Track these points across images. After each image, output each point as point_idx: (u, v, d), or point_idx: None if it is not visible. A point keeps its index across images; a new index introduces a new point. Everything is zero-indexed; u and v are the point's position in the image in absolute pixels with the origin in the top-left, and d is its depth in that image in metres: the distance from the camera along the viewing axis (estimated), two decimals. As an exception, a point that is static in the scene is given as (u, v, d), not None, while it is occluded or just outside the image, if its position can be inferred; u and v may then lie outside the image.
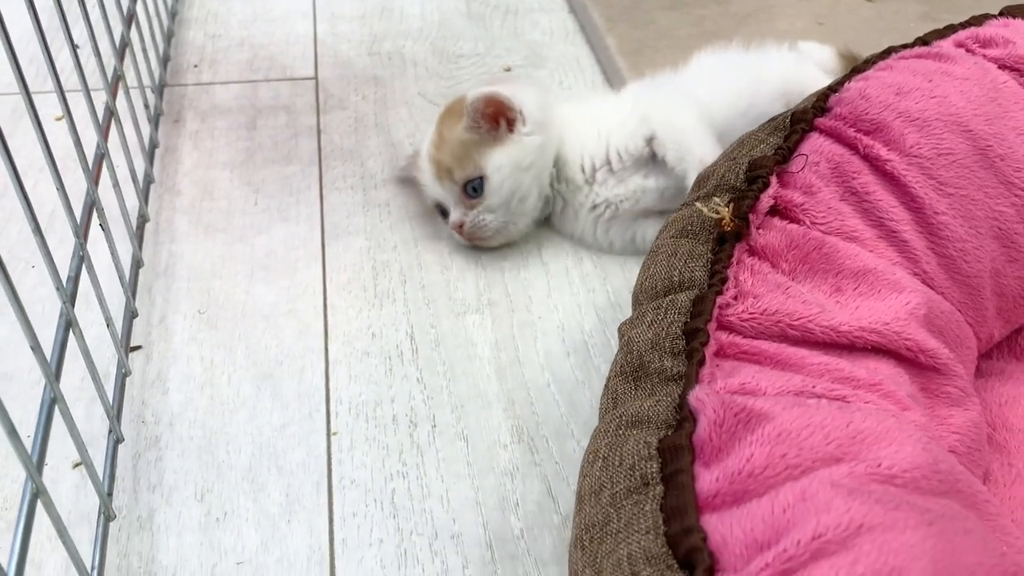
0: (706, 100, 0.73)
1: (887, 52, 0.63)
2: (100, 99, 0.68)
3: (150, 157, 0.82)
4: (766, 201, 0.54)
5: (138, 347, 0.67)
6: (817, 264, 0.53)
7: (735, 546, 0.37)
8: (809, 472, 0.40)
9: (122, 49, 0.77)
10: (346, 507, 0.56)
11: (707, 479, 0.40)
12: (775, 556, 0.35)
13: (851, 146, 0.57)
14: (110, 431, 0.57)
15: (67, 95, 0.56)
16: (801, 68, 0.79)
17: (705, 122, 0.71)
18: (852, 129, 0.57)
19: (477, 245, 0.75)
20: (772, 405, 0.42)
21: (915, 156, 0.56)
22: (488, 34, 1.08)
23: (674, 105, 0.72)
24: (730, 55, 0.81)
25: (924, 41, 0.65)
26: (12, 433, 0.39)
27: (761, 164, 0.56)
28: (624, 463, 0.43)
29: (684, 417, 0.43)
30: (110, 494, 0.54)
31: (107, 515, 0.52)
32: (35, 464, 0.42)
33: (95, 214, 0.59)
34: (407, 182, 0.82)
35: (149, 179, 0.80)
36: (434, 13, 1.12)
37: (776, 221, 0.54)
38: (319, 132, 0.90)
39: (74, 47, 0.62)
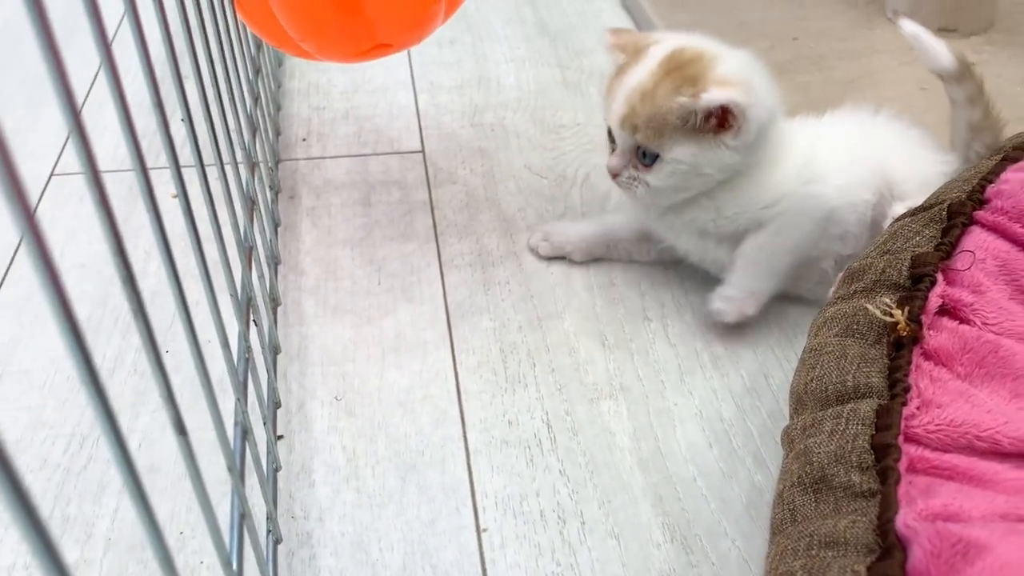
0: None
1: (1031, 137, 0.63)
2: (212, 174, 0.69)
3: (274, 237, 0.83)
4: (935, 301, 0.53)
5: (280, 436, 0.67)
6: (994, 368, 0.52)
7: None
8: None
9: (252, 130, 0.78)
10: (505, 609, 0.56)
11: None
12: None
13: (1017, 242, 0.56)
14: (269, 531, 0.57)
15: (205, 169, 0.58)
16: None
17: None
18: (1017, 224, 0.56)
19: (631, 196, 0.74)
20: (988, 534, 0.41)
21: (1086, 254, 0.55)
22: (586, 102, 1.08)
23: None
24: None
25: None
26: (156, 538, 0.40)
27: (925, 261, 0.55)
28: None
29: (892, 545, 0.42)
30: (276, 598, 0.54)
31: (278, 621, 0.53)
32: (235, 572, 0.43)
33: (250, 310, 0.60)
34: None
35: (277, 260, 0.81)
36: (530, 83, 1.13)
37: (946, 322, 0.53)
38: (432, 207, 0.91)
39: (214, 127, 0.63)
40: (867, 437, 0.48)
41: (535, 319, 0.78)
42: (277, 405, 0.68)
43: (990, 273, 0.55)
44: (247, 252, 0.64)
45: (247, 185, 0.70)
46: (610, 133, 0.73)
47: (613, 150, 0.73)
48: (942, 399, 0.49)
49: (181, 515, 0.62)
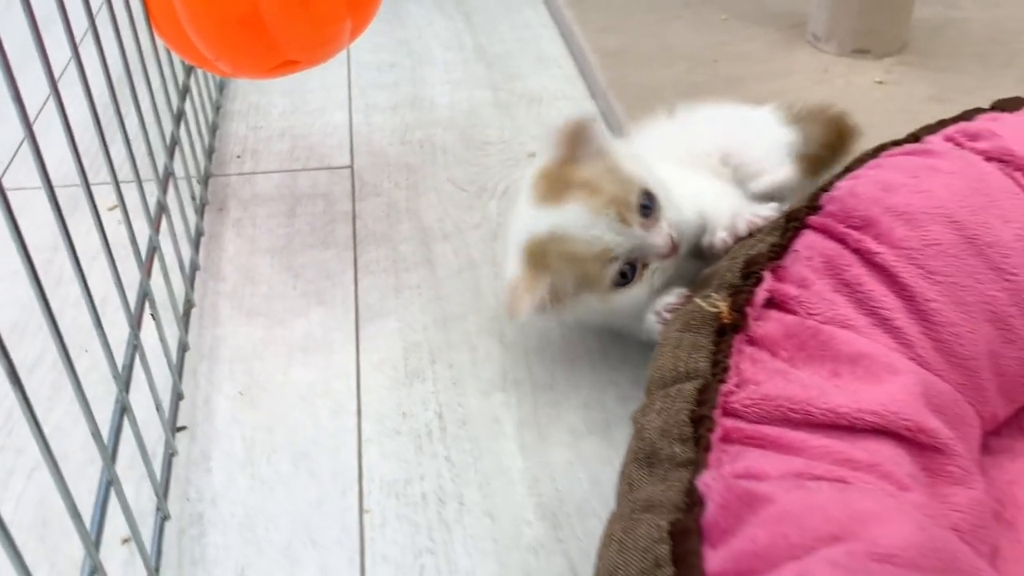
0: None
1: (877, 150, 0.67)
2: (150, 190, 0.74)
3: (196, 246, 0.88)
4: (762, 294, 0.58)
5: (183, 427, 0.71)
6: (815, 351, 0.56)
7: None
8: (810, 552, 0.43)
9: (172, 146, 0.83)
10: (377, 582, 0.60)
11: (715, 560, 0.43)
12: None
13: (842, 241, 0.61)
14: (157, 509, 0.61)
15: (120, 186, 0.62)
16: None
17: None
18: (842, 225, 0.61)
19: (677, 256, 0.67)
20: (774, 488, 0.45)
21: (903, 248, 0.59)
22: (513, 122, 1.13)
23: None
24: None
25: (915, 137, 0.69)
26: (75, 515, 0.43)
27: (756, 261, 0.60)
28: (638, 546, 0.46)
29: (694, 501, 0.46)
30: (157, 569, 0.58)
31: (155, 589, 0.56)
32: (93, 542, 0.46)
33: (147, 304, 0.64)
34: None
35: (195, 266, 0.86)
36: (463, 103, 1.18)
37: (773, 313, 0.58)
38: (354, 218, 0.96)
39: (127, 140, 0.68)
40: (687, 412, 0.52)
41: (440, 320, 0.82)
42: (180, 397, 0.71)
43: (816, 269, 0.59)
44: (149, 256, 0.68)
45: (159, 199, 0.74)
46: (621, 275, 0.66)
47: (630, 275, 0.66)
48: (759, 377, 0.53)
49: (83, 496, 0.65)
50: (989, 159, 0.66)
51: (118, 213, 0.64)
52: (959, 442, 0.55)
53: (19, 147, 1.06)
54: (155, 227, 0.71)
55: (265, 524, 0.64)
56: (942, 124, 0.71)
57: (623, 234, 0.64)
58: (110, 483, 0.50)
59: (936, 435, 0.54)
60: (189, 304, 0.81)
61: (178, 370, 0.73)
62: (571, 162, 0.67)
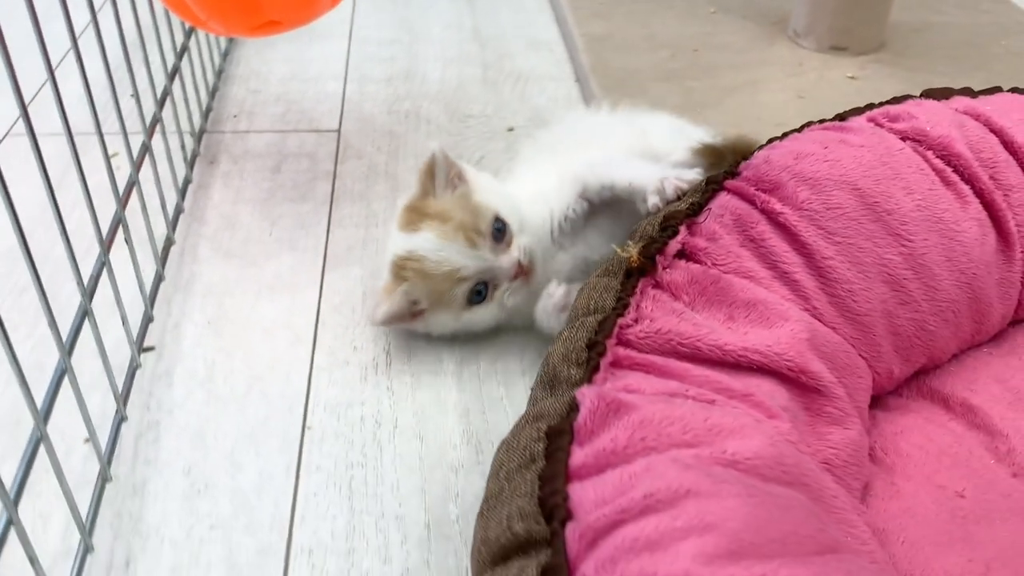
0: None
1: (803, 127, 0.72)
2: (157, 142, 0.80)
3: (183, 191, 0.94)
4: (674, 245, 0.63)
5: (151, 348, 0.78)
6: (713, 296, 0.61)
7: (587, 503, 0.45)
8: (662, 453, 0.48)
9: (163, 98, 0.90)
10: (309, 488, 0.65)
11: (579, 456, 0.48)
12: (611, 508, 0.43)
13: (751, 201, 0.66)
14: (116, 411, 0.67)
15: (122, 136, 0.69)
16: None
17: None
18: (753, 188, 0.66)
19: (531, 279, 0.74)
20: (642, 400, 0.51)
21: (806, 210, 0.64)
22: (498, 98, 1.19)
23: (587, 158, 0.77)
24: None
25: (841, 117, 0.74)
26: (23, 384, 0.50)
27: (674, 216, 0.65)
28: (519, 445, 0.52)
29: (572, 408, 0.51)
30: (109, 461, 0.64)
31: (104, 477, 0.62)
32: (42, 418, 0.53)
33: (121, 229, 0.71)
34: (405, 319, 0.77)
35: (179, 209, 0.92)
36: (453, 79, 1.24)
37: (682, 263, 0.63)
38: (335, 177, 1.02)
39: (136, 96, 0.74)
40: (585, 340, 0.57)
41: (401, 270, 0.88)
42: (150, 320, 0.78)
43: (726, 225, 0.64)
44: (127, 191, 0.75)
45: (144, 142, 0.81)
46: (474, 292, 0.74)
47: (483, 293, 0.74)
48: (656, 315, 0.58)
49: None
50: (904, 138, 0.71)
51: (118, 160, 0.71)
52: (841, 387, 0.60)
53: (38, 91, 1.13)
54: (136, 167, 0.77)
55: (215, 433, 0.70)
56: (870, 107, 0.76)
57: (471, 257, 0.72)
58: (63, 373, 0.56)
59: (817, 377, 0.59)
60: (169, 241, 0.88)
61: (151, 297, 0.79)
62: (429, 195, 0.76)
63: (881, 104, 0.76)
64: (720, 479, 0.46)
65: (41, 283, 0.54)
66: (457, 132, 1.11)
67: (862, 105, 0.76)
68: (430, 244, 0.72)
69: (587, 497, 0.45)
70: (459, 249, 0.72)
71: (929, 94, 0.78)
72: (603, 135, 0.85)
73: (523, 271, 0.73)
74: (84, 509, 0.60)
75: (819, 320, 0.63)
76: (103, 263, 0.66)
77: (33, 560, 0.49)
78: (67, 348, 0.57)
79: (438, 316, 0.75)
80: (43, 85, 1.10)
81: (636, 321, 0.58)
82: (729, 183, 0.67)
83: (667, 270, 0.62)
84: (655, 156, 0.77)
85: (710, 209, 0.65)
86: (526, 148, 0.92)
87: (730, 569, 0.39)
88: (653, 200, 0.72)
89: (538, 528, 0.44)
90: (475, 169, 0.81)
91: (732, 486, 0.45)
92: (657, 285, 0.61)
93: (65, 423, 0.67)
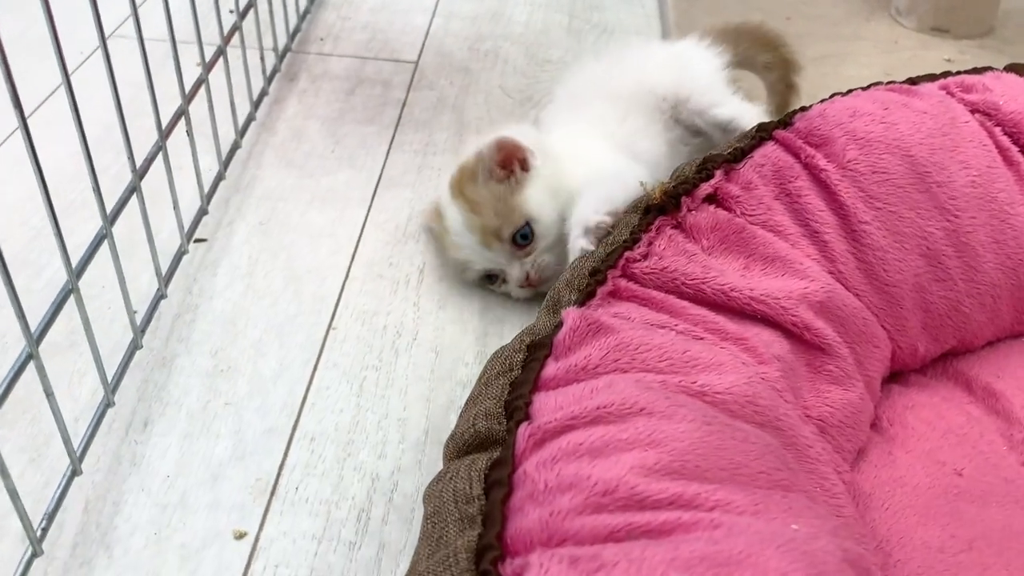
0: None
1: (870, 85, 0.70)
2: (239, 54, 0.84)
3: (257, 102, 0.98)
4: (704, 188, 0.62)
5: (203, 240, 0.82)
6: (734, 245, 0.61)
7: (545, 409, 0.46)
8: (628, 373, 0.48)
9: (246, 10, 0.93)
10: (323, 381, 0.68)
11: (551, 368, 0.49)
12: (563, 414, 0.44)
13: (796, 154, 0.64)
14: (158, 288, 0.72)
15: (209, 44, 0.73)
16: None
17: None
18: (801, 140, 0.64)
19: (539, 290, 0.73)
20: (624, 325, 0.51)
21: (850, 170, 0.63)
22: (579, 46, 1.19)
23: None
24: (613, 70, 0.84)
25: (913, 81, 0.71)
26: (64, 250, 0.54)
27: (712, 160, 0.64)
28: (503, 355, 0.53)
29: (557, 326, 0.52)
30: (143, 331, 0.69)
31: (136, 344, 0.67)
32: (76, 274, 0.57)
33: (183, 121, 0.75)
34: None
35: (251, 118, 0.96)
36: (538, 23, 1.24)
37: (711, 208, 0.62)
38: (404, 105, 1.04)
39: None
40: (588, 268, 0.57)
41: (451, 198, 0.89)
42: (204, 212, 0.82)
43: (764, 176, 0.63)
44: (195, 88, 0.78)
45: (219, 46, 0.85)
46: (485, 278, 0.76)
47: (494, 280, 0.75)
48: (667, 254, 0.58)
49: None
50: (973, 111, 0.68)
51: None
52: (847, 348, 0.59)
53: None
54: (207, 67, 0.81)
55: (246, 322, 0.73)
56: (946, 75, 0.73)
57: (481, 256, 0.73)
58: (103, 238, 0.60)
59: (821, 335, 0.58)
60: (235, 145, 0.92)
61: (208, 194, 0.83)
62: (480, 175, 0.73)
63: (958, 73, 0.73)
64: (678, 404, 0.46)
65: (90, 154, 0.58)
66: (532, 75, 1.12)
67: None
68: (455, 224, 0.74)
69: (547, 404, 0.46)
70: (474, 246, 0.73)
71: (1013, 68, 0.74)
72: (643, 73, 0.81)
73: (530, 283, 0.73)
74: (113, 370, 0.64)
75: (843, 284, 0.61)
76: (159, 147, 0.70)
77: (48, 394, 0.53)
78: (109, 217, 0.61)
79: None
80: None
81: (645, 257, 0.58)
82: (778, 133, 0.65)
83: (692, 212, 0.62)
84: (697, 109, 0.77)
85: (752, 158, 0.64)
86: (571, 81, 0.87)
87: (665, 483, 0.40)
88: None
89: (498, 428, 0.46)
90: (567, 138, 0.77)
91: (690, 412, 0.45)
92: (678, 226, 0.61)
93: (113, 296, 0.71)
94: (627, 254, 0.57)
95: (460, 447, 0.47)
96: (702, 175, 0.63)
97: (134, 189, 0.65)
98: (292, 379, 0.68)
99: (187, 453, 0.63)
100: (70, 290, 0.56)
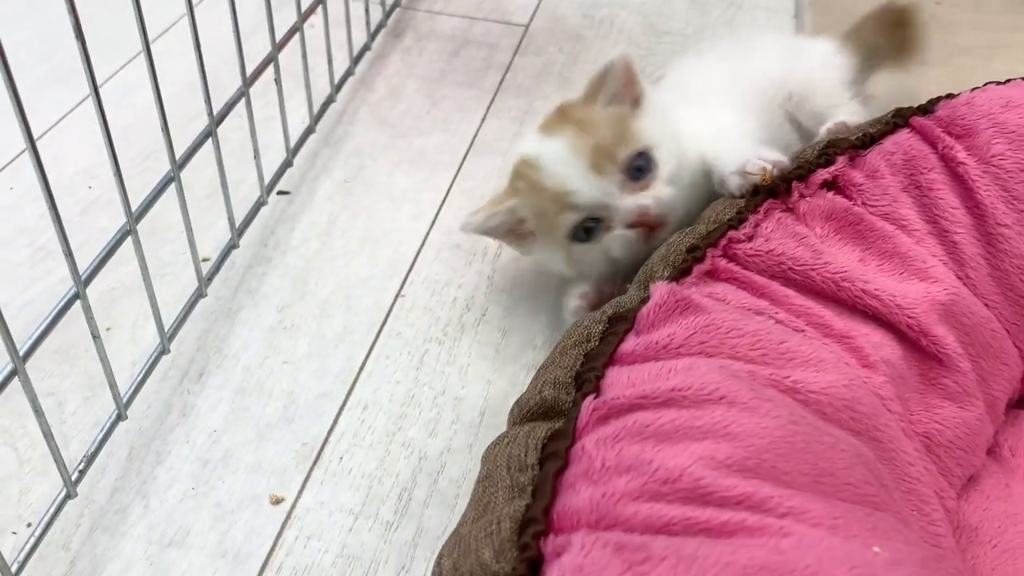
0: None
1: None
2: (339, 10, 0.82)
3: (357, 57, 0.96)
4: (821, 174, 0.55)
5: (286, 192, 0.80)
6: (850, 236, 0.54)
7: (616, 384, 0.41)
8: (713, 358, 0.43)
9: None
10: (384, 349, 0.65)
11: (630, 343, 0.44)
12: (634, 392, 0.39)
13: (932, 144, 0.56)
14: (230, 238, 0.70)
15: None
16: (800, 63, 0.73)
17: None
18: (941, 130, 0.57)
19: (654, 236, 0.60)
20: (715, 306, 0.45)
21: (994, 166, 0.54)
22: (702, 19, 1.11)
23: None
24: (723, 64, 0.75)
25: (1088, 77, 0.62)
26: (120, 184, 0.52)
27: (836, 145, 0.57)
28: (582, 325, 0.48)
29: (644, 300, 0.47)
30: (210, 280, 0.67)
31: (200, 293, 0.65)
32: (134, 215, 0.55)
33: (272, 68, 0.73)
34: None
35: (349, 72, 0.94)
36: (660, -7, 1.17)
37: (828, 194, 0.55)
38: (507, 70, 1.00)
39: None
40: (687, 245, 0.52)
41: (544, 170, 0.84)
42: (289, 164, 0.80)
43: (893, 164, 0.56)
44: (288, 35, 0.76)
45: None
46: (580, 228, 0.61)
47: (593, 231, 0.61)
48: (775, 236, 0.51)
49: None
50: None
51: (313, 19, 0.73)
52: (969, 362, 0.51)
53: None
54: (303, 16, 0.79)
55: (316, 280, 0.71)
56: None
57: (591, 184, 0.59)
58: (170, 180, 0.59)
59: (941, 344, 0.50)
60: (329, 99, 0.89)
61: (295, 146, 0.81)
62: (593, 101, 0.63)
63: None
64: (765, 397, 0.40)
65: (162, 102, 0.56)
66: (647, 47, 1.05)
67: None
68: (554, 153, 0.60)
69: (619, 380, 0.41)
70: (581, 170, 0.59)
71: None
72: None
73: (647, 222, 0.59)
74: (175, 317, 0.63)
75: (971, 290, 0.54)
76: (242, 93, 0.68)
77: (95, 336, 0.52)
78: (179, 161, 0.59)
79: (544, 243, 0.64)
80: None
81: (749, 239, 0.52)
82: (916, 120, 0.58)
83: (805, 199, 0.55)
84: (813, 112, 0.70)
85: (882, 144, 0.57)
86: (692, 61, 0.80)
87: (735, 480, 0.34)
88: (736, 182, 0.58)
89: (564, 398, 0.42)
90: (666, 96, 0.68)
91: (776, 407, 0.39)
92: (789, 210, 0.54)
93: (180, 246, 0.70)
94: (731, 233, 0.51)
95: (524, 413, 0.44)
96: (821, 160, 0.56)
97: (209, 134, 0.63)
98: (353, 344, 0.66)
99: (237, 409, 0.61)
100: (127, 231, 0.54)
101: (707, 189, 0.61)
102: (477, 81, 0.97)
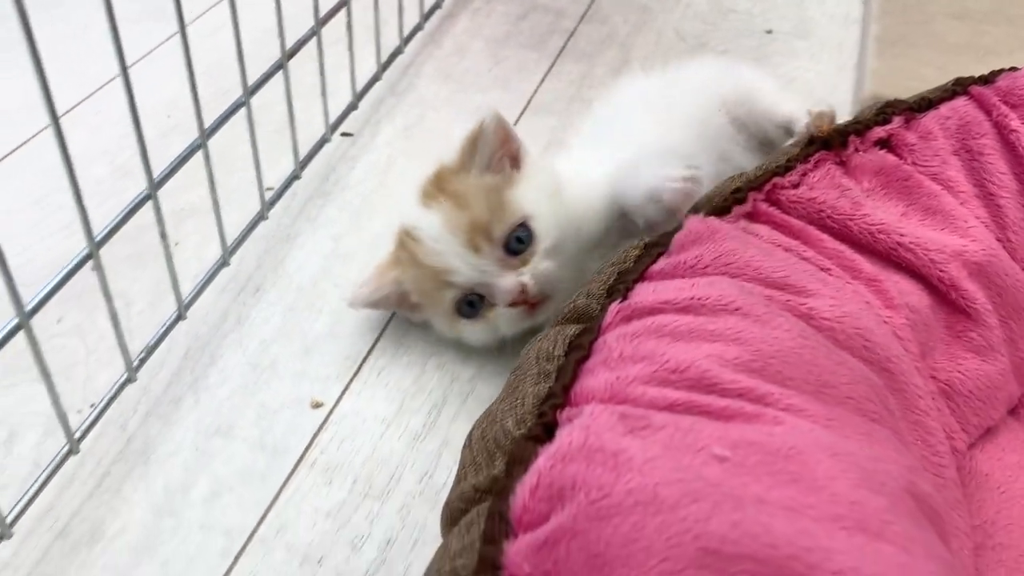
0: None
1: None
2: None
3: (427, 14, 0.99)
4: (877, 132, 0.57)
5: (349, 134, 0.84)
6: (896, 192, 0.55)
7: (642, 293, 0.44)
8: (735, 278, 0.45)
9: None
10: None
11: (661, 263, 0.47)
12: (656, 298, 0.42)
13: (987, 112, 0.58)
14: (293, 170, 0.74)
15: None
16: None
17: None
18: (997, 98, 0.58)
19: (538, 311, 0.57)
20: (745, 237, 0.48)
21: (1046, 136, 0.55)
22: (770, 1, 1.12)
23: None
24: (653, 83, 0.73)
25: None
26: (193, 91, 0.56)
27: (893, 105, 0.59)
28: (622, 251, 0.50)
29: (678, 228, 0.49)
30: (272, 204, 0.72)
31: (261, 215, 0.70)
32: (207, 132, 0.59)
33: (344, 13, 0.77)
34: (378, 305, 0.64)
35: (419, 28, 0.98)
36: (732, -29, 1.18)
37: (881, 152, 0.57)
38: (571, 36, 1.02)
39: None
40: (734, 189, 0.54)
41: (597, 131, 0.87)
42: (353, 107, 0.84)
43: (947, 128, 0.57)
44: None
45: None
46: (464, 303, 0.58)
47: (475, 306, 0.58)
48: (819, 186, 0.53)
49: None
50: None
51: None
52: (996, 318, 0.52)
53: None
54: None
55: (370, 215, 0.75)
56: None
57: (468, 263, 0.56)
58: (241, 105, 0.63)
59: (971, 299, 0.52)
60: (397, 50, 0.93)
61: (361, 91, 0.86)
62: (467, 169, 0.61)
63: None
64: (778, 315, 0.42)
65: (239, 35, 0.61)
66: (711, 22, 1.06)
67: None
68: (431, 229, 0.58)
69: (645, 290, 0.44)
70: (458, 248, 0.56)
71: None
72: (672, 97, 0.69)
73: (526, 300, 0.56)
74: (238, 234, 0.68)
75: (1009, 254, 0.55)
76: (314, 32, 0.72)
77: (163, 235, 0.57)
78: (250, 88, 0.64)
79: (433, 316, 0.62)
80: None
81: (795, 186, 0.54)
82: (975, 88, 0.59)
83: (858, 153, 0.57)
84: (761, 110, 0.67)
85: (937, 108, 0.58)
86: (586, 122, 0.74)
87: (740, 376, 0.37)
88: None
89: (595, 305, 0.45)
90: (544, 154, 0.66)
91: (788, 323, 0.42)
92: (840, 164, 0.56)
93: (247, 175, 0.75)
94: (776, 179, 0.54)
95: (559, 320, 0.47)
96: (879, 119, 0.58)
97: (280, 67, 0.68)
98: (399, 274, 0.69)
99: (288, 323, 0.65)
100: (198, 146, 0.59)
101: (621, 232, 0.59)
102: (540, 44, 1.00)
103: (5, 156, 0.83)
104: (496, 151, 0.61)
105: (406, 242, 0.60)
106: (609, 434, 0.33)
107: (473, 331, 0.59)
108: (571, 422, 0.35)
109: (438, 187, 0.60)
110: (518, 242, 0.57)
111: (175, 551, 0.51)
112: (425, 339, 0.64)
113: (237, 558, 0.51)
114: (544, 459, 0.33)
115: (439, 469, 0.55)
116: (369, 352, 0.63)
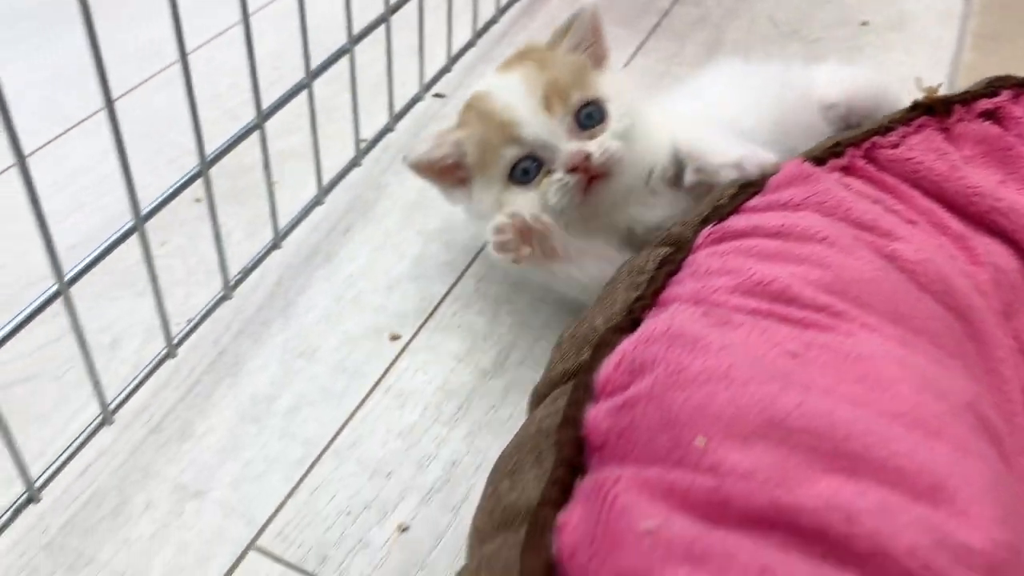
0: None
1: None
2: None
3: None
4: (983, 103, 0.58)
5: (442, 95, 0.88)
6: (996, 160, 0.56)
7: (734, 222, 0.46)
8: (826, 216, 0.47)
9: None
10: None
11: (755, 200, 0.49)
12: (747, 224, 0.46)
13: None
14: (387, 123, 0.78)
15: None
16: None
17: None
18: None
19: (591, 191, 0.56)
20: (837, 185, 0.49)
21: None
22: (875, -10, 1.11)
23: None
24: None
25: None
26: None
27: (1004, 80, 0.59)
28: (718, 190, 0.52)
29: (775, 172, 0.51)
30: (366, 152, 0.75)
31: (355, 162, 0.74)
32: (312, 73, 0.63)
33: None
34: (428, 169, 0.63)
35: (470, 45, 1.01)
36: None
37: (985, 123, 0.58)
38: (664, 15, 1.04)
39: None
40: (833, 144, 0.54)
41: (682, 108, 0.89)
42: (447, 70, 0.88)
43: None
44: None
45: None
46: (520, 167, 0.58)
47: (530, 174, 0.58)
48: (919, 147, 0.54)
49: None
50: None
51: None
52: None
53: None
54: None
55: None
56: None
57: (539, 120, 0.56)
58: (345, 52, 0.67)
59: (1065, 267, 0.52)
60: (493, 20, 0.97)
61: (456, 55, 0.89)
62: (556, 46, 0.62)
63: None
64: (862, 250, 0.44)
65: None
66: (807, 11, 1.06)
67: None
68: (508, 86, 0.58)
69: (739, 221, 0.47)
70: (531, 104, 0.57)
71: None
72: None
73: (586, 168, 0.55)
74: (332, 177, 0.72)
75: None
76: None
77: (267, 165, 0.61)
78: (354, 37, 0.67)
79: (480, 184, 0.60)
80: None
81: (895, 146, 0.55)
82: None
83: (962, 122, 0.57)
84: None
85: None
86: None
87: (820, 294, 0.40)
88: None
89: (689, 233, 0.47)
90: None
91: (872, 259, 0.44)
92: (943, 131, 0.57)
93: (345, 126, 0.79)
94: (876, 139, 0.55)
95: (654, 244, 0.49)
96: (987, 92, 0.59)
97: (383, 20, 0.71)
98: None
99: (373, 262, 0.69)
100: (304, 86, 0.63)
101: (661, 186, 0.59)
102: (633, 22, 1.02)
103: (121, 96, 0.89)
104: (587, 39, 0.62)
105: (475, 104, 0.61)
106: (691, 324, 0.36)
107: (520, 199, 0.57)
108: (657, 317, 0.38)
109: (521, 57, 0.62)
110: (589, 118, 0.57)
111: (256, 454, 0.55)
112: (499, 287, 0.67)
113: (312, 466, 0.54)
114: (628, 342, 0.37)
115: (505, 404, 0.58)
116: (446, 294, 0.66)
